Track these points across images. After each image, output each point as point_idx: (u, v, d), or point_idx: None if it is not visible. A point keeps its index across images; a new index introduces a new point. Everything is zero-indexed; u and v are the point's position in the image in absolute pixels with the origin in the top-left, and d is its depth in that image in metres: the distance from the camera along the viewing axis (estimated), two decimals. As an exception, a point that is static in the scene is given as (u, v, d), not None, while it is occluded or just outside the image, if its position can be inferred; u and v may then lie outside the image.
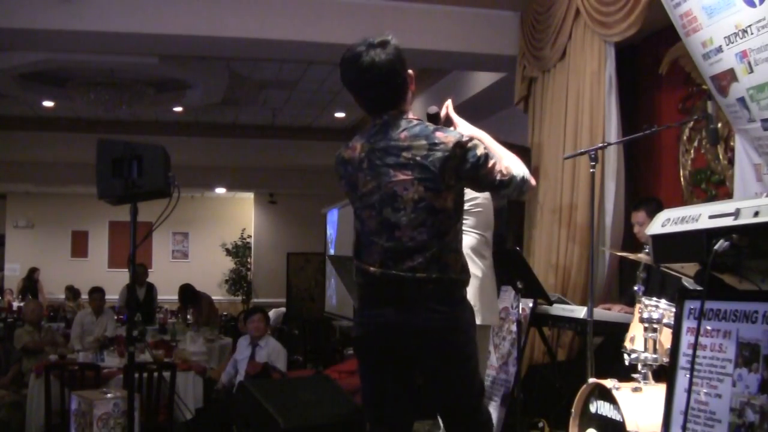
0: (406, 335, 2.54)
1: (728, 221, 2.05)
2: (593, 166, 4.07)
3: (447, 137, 2.54)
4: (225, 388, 5.93)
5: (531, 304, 4.73)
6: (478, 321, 3.06)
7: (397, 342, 2.56)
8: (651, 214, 3.95)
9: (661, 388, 2.78)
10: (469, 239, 3.50)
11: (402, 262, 2.53)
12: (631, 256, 3.99)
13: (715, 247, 2.02)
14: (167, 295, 10.68)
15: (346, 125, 12.06)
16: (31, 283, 14.09)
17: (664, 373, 2.86)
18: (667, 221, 2.31)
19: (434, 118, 2.76)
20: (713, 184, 4.80)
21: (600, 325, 4.06)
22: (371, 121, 2.66)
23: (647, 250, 3.46)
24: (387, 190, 2.55)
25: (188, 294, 9.26)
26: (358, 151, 2.62)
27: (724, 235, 2.02)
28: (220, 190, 14.97)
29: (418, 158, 2.53)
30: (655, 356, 3.42)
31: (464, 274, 2.64)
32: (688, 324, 2.45)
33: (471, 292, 2.83)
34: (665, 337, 3.37)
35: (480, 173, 2.56)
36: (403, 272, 2.52)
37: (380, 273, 2.55)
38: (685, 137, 5.09)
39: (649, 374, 3.43)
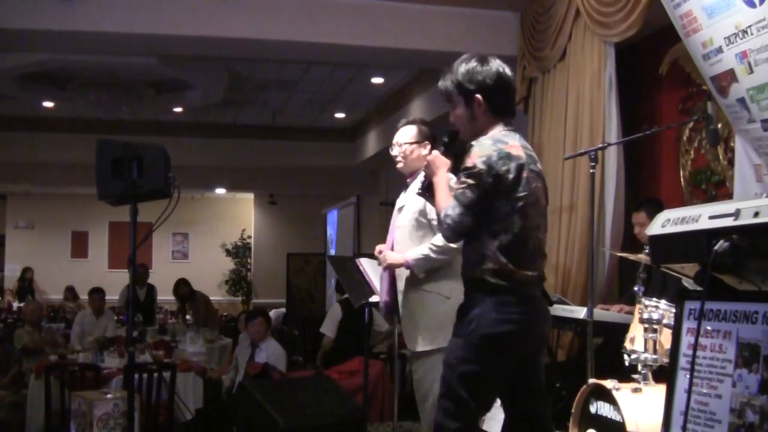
0: (547, 326, 2.88)
1: (728, 222, 2.05)
2: (593, 167, 4.07)
3: None
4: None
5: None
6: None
7: (543, 333, 2.85)
8: (652, 215, 3.93)
9: (661, 389, 2.78)
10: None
11: (541, 263, 2.81)
12: (631, 256, 3.99)
13: (715, 247, 2.02)
14: (167, 296, 10.68)
15: (346, 125, 12.07)
16: (24, 283, 14.09)
17: (664, 374, 2.86)
18: (666, 222, 2.31)
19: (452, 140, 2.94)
20: (713, 185, 4.80)
21: (600, 326, 4.06)
22: (504, 126, 2.81)
23: (647, 251, 3.46)
24: (534, 196, 2.74)
25: (183, 288, 9.27)
26: (522, 151, 2.75)
27: (724, 236, 2.02)
28: (220, 191, 14.97)
29: (540, 169, 2.84)
30: (655, 357, 3.42)
31: None
32: (688, 324, 2.44)
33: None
34: (665, 338, 3.37)
35: None
36: (541, 272, 2.81)
37: (536, 275, 2.75)
38: (685, 138, 5.09)
39: (649, 375, 3.43)
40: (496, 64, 2.80)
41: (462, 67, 2.80)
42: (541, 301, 2.81)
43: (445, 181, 2.81)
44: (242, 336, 6.38)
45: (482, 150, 2.67)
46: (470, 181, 2.65)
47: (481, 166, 2.64)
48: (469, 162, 2.67)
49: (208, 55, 7.42)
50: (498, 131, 2.77)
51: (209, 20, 5.86)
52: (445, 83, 2.84)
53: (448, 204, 2.70)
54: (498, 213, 2.66)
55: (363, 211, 11.41)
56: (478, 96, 2.76)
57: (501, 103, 2.81)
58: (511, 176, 2.66)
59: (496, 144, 2.69)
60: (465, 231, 2.69)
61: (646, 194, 5.27)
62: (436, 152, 2.89)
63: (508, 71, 2.82)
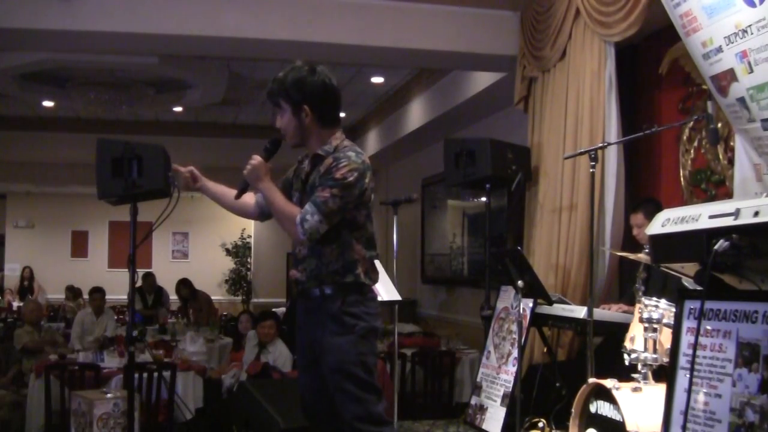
0: None
1: (728, 221, 2.05)
2: (593, 166, 4.07)
3: None
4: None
5: (531, 304, 4.73)
6: None
7: None
8: (649, 216, 3.95)
9: (661, 388, 2.79)
10: None
11: None
12: (631, 256, 3.99)
13: (715, 247, 2.02)
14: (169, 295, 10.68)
15: (346, 124, 12.04)
16: (24, 283, 14.08)
17: (664, 373, 2.86)
18: (667, 221, 2.31)
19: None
20: (713, 184, 4.79)
21: (600, 325, 4.06)
22: (343, 135, 2.95)
23: (647, 251, 3.46)
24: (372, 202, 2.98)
25: (184, 290, 9.28)
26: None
27: (724, 235, 2.02)
28: (220, 190, 14.94)
29: None
30: (655, 356, 3.42)
31: None
32: (688, 324, 2.45)
33: None
34: (665, 337, 3.38)
35: None
36: None
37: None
38: (685, 137, 5.09)
39: (649, 374, 3.43)
40: (323, 75, 2.87)
41: (291, 76, 2.86)
42: None
43: (274, 186, 2.90)
44: (251, 334, 6.40)
45: (351, 163, 2.80)
46: (336, 192, 2.76)
47: (351, 179, 2.78)
48: (338, 173, 2.77)
49: (208, 54, 7.42)
50: (347, 141, 2.91)
51: (209, 20, 5.86)
52: (272, 90, 2.90)
53: (293, 208, 2.83)
54: (356, 221, 2.86)
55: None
56: (306, 106, 2.85)
57: (327, 113, 2.91)
58: (371, 188, 2.87)
59: (359, 156, 2.84)
60: (318, 238, 2.80)
61: (646, 194, 5.26)
62: (258, 158, 2.90)
63: (334, 81, 2.89)
